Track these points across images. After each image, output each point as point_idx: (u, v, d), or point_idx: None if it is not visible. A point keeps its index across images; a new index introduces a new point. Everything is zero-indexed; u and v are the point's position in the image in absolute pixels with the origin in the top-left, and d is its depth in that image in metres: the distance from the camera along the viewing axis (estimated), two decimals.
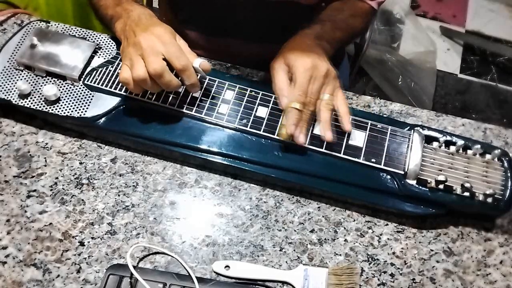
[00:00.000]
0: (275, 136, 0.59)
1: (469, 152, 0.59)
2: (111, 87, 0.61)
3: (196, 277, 0.52)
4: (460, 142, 0.59)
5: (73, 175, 0.60)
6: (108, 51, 0.64)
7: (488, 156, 0.58)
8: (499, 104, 1.64)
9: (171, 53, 0.55)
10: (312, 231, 0.58)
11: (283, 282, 0.55)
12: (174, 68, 0.56)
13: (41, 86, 0.61)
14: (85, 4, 1.03)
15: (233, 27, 0.80)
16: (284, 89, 0.59)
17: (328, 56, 0.63)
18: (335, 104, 0.60)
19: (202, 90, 0.62)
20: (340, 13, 0.72)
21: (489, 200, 0.56)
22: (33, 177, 0.59)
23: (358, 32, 0.75)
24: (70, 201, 0.58)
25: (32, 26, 0.66)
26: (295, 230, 0.58)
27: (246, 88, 0.63)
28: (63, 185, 0.59)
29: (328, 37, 0.66)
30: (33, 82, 0.61)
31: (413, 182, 0.57)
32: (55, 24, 0.66)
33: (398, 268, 0.56)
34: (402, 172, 0.58)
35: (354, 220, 0.59)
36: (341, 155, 0.58)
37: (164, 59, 0.55)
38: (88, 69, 0.63)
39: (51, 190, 0.59)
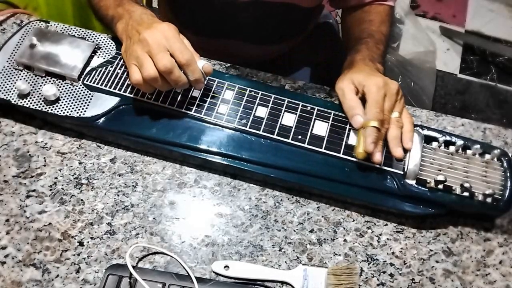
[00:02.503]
0: (274, 136, 0.59)
1: (469, 152, 0.59)
2: (110, 87, 0.61)
3: (196, 277, 0.52)
4: (460, 142, 0.59)
5: (73, 175, 0.60)
6: (108, 51, 0.64)
7: (487, 156, 0.58)
8: (498, 104, 1.64)
9: (175, 48, 0.55)
10: (311, 231, 0.58)
11: (283, 282, 0.55)
12: (179, 63, 0.56)
13: (41, 86, 0.61)
14: (85, 4, 1.03)
15: (232, 29, 0.80)
16: (357, 107, 0.59)
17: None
18: (402, 121, 0.60)
19: (202, 90, 0.62)
20: (371, 24, 0.73)
21: (489, 200, 0.56)
22: (32, 177, 0.59)
23: (389, 36, 0.76)
24: (70, 201, 0.58)
25: (31, 26, 0.66)
26: (294, 230, 0.58)
27: (245, 88, 0.63)
28: (62, 185, 0.59)
29: (376, 56, 0.67)
30: (32, 82, 0.61)
31: (413, 182, 0.57)
32: (54, 24, 0.66)
33: (398, 268, 0.56)
34: (402, 172, 0.58)
35: (354, 220, 0.59)
36: (341, 155, 0.58)
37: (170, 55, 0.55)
38: (88, 69, 0.63)
39: (50, 190, 0.59)
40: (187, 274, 0.54)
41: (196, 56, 0.58)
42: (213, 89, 0.62)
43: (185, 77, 0.56)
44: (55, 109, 0.60)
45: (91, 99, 0.61)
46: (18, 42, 0.64)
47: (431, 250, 0.58)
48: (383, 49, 0.70)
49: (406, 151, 0.58)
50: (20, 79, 0.61)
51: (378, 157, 0.57)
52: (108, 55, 0.64)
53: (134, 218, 0.58)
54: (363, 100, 0.59)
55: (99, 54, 0.64)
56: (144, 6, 0.64)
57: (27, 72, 0.62)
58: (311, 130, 0.60)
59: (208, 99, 0.62)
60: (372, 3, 0.76)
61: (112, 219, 0.57)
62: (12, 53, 0.63)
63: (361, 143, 0.57)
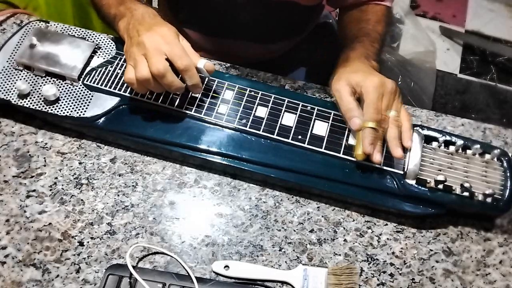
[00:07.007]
0: (274, 136, 0.59)
1: (469, 152, 0.59)
2: (110, 87, 0.61)
3: (196, 277, 0.52)
4: (460, 142, 0.59)
5: (73, 175, 0.60)
6: (108, 51, 0.64)
7: (487, 156, 0.58)
8: (498, 104, 1.64)
9: (174, 53, 0.55)
10: (311, 231, 0.58)
11: (283, 282, 0.55)
12: (176, 68, 0.56)
13: (41, 86, 0.61)
14: (85, 4, 1.03)
15: (232, 27, 0.80)
16: (354, 109, 0.58)
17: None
18: (400, 120, 0.59)
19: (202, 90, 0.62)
20: (367, 23, 0.73)
21: (489, 200, 0.56)
22: (32, 177, 0.59)
23: (386, 35, 0.76)
24: (70, 201, 0.58)
25: (31, 26, 0.66)
26: (294, 230, 0.58)
27: (245, 88, 0.63)
28: (62, 185, 0.59)
29: (372, 54, 0.67)
30: (32, 82, 0.61)
31: (413, 182, 0.57)
32: (54, 24, 0.66)
33: (398, 268, 0.56)
34: (402, 172, 0.58)
35: (354, 220, 0.59)
36: (341, 155, 0.58)
37: (167, 59, 0.55)
38: (88, 69, 0.63)
39: (50, 190, 0.59)
40: (187, 274, 0.54)
41: (196, 57, 0.58)
42: (213, 89, 0.62)
43: (179, 82, 0.56)
44: (55, 109, 0.60)
45: (91, 99, 0.61)
46: (18, 42, 0.64)
47: (431, 250, 0.58)
48: (378, 47, 0.70)
49: (406, 150, 0.58)
50: (20, 79, 0.61)
51: (377, 157, 0.57)
52: (108, 55, 0.64)
53: (134, 218, 0.58)
54: (360, 100, 0.59)
55: (99, 54, 0.64)
56: (146, 5, 0.64)
57: (27, 72, 0.62)
58: (311, 130, 0.60)
59: (208, 99, 0.62)
60: (369, 3, 0.76)
61: (112, 219, 0.57)
62: (12, 53, 0.63)
63: (359, 144, 0.57)
